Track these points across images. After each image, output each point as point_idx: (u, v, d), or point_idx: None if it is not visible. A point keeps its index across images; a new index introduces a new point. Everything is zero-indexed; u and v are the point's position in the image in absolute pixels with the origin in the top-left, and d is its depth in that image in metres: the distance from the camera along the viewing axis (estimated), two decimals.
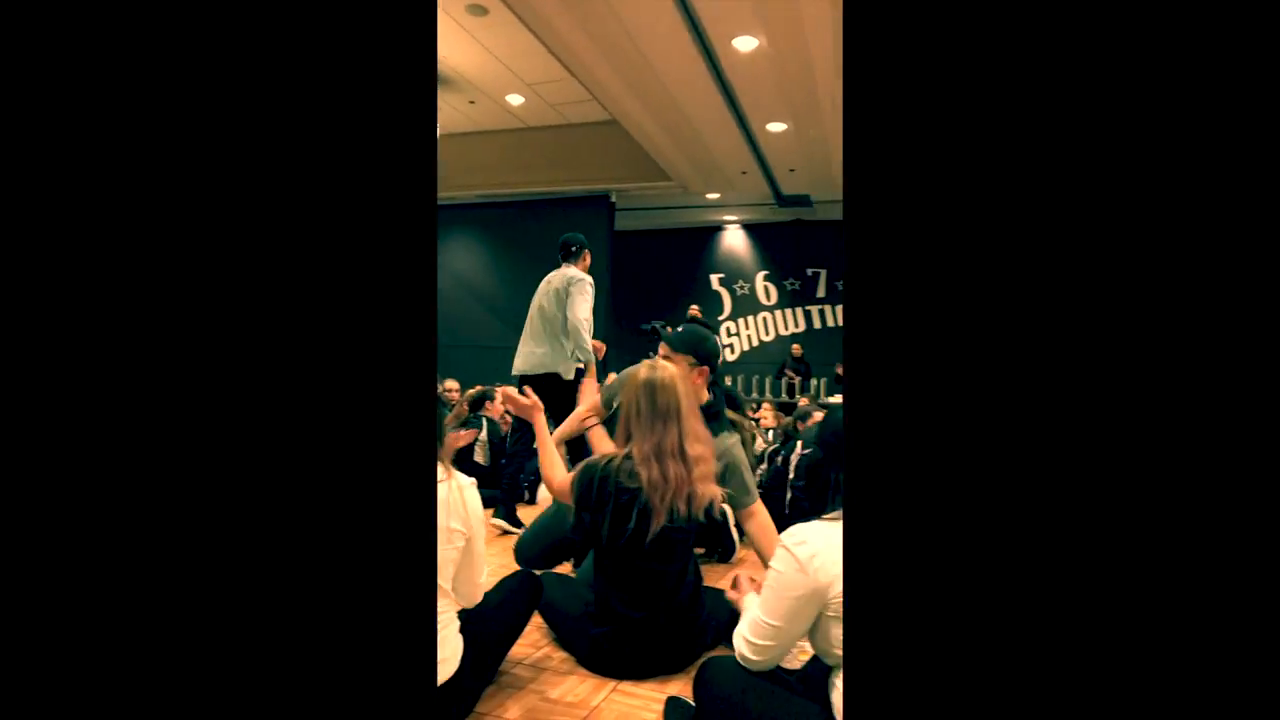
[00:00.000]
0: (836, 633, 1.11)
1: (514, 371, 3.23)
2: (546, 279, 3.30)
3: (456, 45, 5.70)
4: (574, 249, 3.31)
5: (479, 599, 1.49)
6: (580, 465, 1.73)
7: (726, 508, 1.99)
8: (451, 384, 4.93)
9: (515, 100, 6.90)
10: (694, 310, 4.95)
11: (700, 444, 1.67)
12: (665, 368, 1.72)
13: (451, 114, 7.13)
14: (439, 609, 1.35)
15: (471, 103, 6.93)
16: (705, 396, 2.14)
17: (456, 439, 3.06)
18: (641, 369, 1.72)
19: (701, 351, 2.11)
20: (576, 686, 1.62)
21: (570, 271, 3.23)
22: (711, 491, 1.67)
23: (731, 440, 2.15)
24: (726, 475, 1.96)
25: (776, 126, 6.39)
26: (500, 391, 3.83)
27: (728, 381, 8.64)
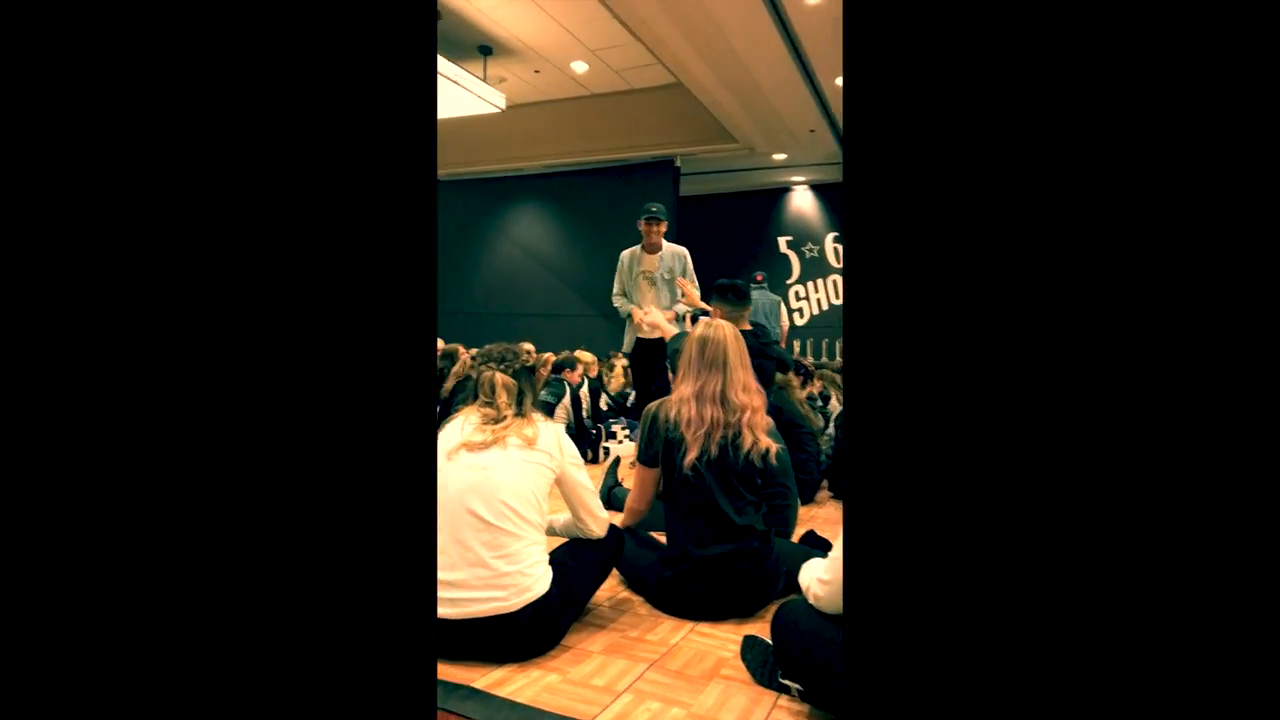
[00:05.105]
0: None
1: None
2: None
3: (521, 14, 5.73)
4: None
5: (599, 530, 1.70)
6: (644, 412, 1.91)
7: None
8: (528, 346, 5.16)
9: (580, 67, 6.89)
10: (758, 278, 4.97)
11: (748, 394, 1.81)
12: (721, 326, 1.86)
13: (516, 84, 7.19)
14: (529, 538, 1.49)
15: (536, 72, 6.97)
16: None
17: None
18: (699, 326, 1.89)
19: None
20: (656, 626, 1.70)
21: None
22: (764, 442, 1.78)
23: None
24: None
25: None
26: None
27: (796, 346, 8.53)
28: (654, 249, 3.59)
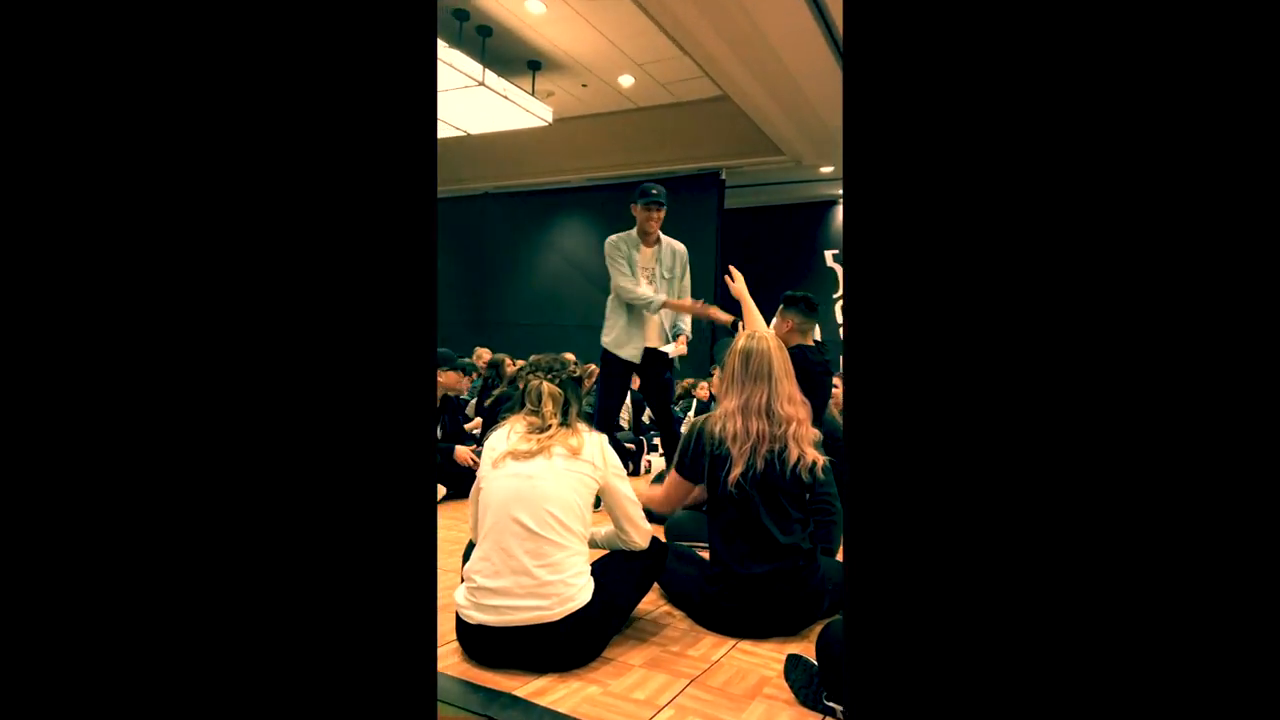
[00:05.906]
0: None
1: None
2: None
3: (569, 29, 5.83)
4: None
5: (641, 541, 1.68)
6: (689, 426, 1.90)
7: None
8: (569, 356, 5.22)
9: (626, 81, 6.96)
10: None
11: (793, 406, 1.78)
12: (763, 338, 1.85)
13: (564, 98, 7.30)
14: (572, 548, 1.49)
15: (584, 86, 7.07)
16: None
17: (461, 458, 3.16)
18: (741, 338, 1.87)
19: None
20: (697, 642, 1.68)
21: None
22: (810, 454, 1.75)
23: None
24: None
25: None
26: None
27: (841, 361, 8.41)
28: (652, 240, 3.05)
